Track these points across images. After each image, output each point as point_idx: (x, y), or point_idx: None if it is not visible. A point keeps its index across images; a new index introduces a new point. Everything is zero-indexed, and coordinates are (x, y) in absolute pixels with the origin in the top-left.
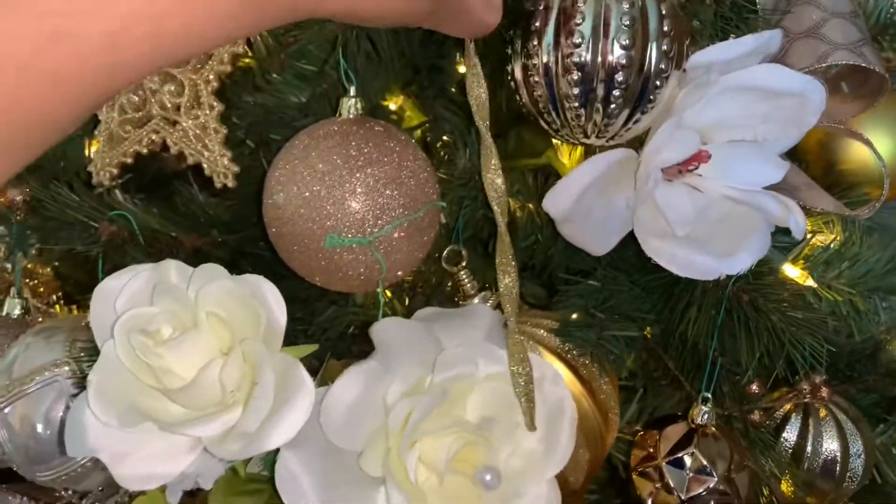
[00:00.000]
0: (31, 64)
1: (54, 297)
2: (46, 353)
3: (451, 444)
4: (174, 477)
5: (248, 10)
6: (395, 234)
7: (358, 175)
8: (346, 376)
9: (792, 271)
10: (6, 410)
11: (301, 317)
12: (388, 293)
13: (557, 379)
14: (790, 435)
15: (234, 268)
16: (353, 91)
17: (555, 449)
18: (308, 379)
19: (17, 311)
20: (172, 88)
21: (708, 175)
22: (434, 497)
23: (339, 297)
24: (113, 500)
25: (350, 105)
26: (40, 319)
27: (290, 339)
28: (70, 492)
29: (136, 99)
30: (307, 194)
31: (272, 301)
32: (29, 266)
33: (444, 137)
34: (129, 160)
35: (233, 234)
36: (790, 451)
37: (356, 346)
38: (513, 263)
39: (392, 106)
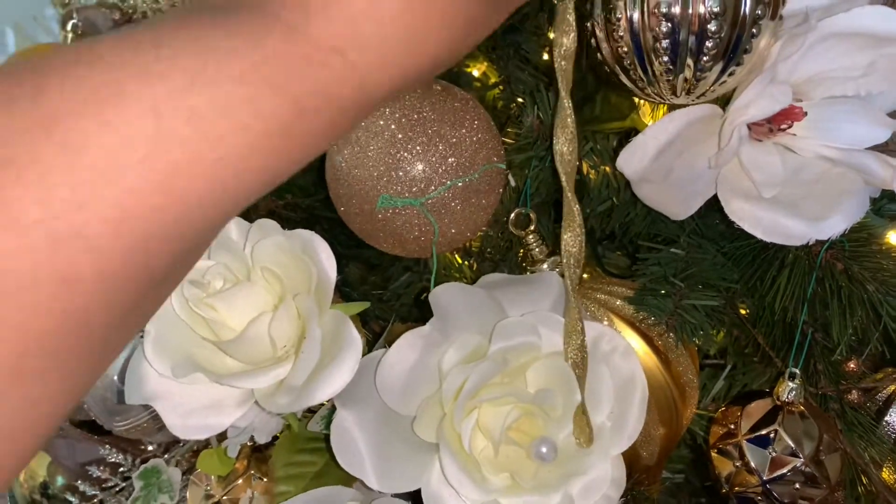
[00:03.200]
0: (33, 277)
1: None
2: None
3: (507, 413)
4: (224, 429)
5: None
6: (451, 197)
7: (413, 136)
8: (402, 341)
9: None
10: None
11: (375, 282)
12: (458, 258)
13: (629, 353)
14: (894, 419)
15: None
16: None
17: (622, 426)
18: (356, 336)
19: None
20: None
21: (802, 135)
22: (489, 467)
23: (414, 263)
24: (179, 452)
25: None
26: None
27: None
28: (157, 444)
29: None
30: (362, 155)
31: (323, 256)
32: None
33: (519, 99)
34: None
35: (308, 197)
36: (894, 436)
37: (431, 313)
38: (578, 220)
39: (475, 72)
